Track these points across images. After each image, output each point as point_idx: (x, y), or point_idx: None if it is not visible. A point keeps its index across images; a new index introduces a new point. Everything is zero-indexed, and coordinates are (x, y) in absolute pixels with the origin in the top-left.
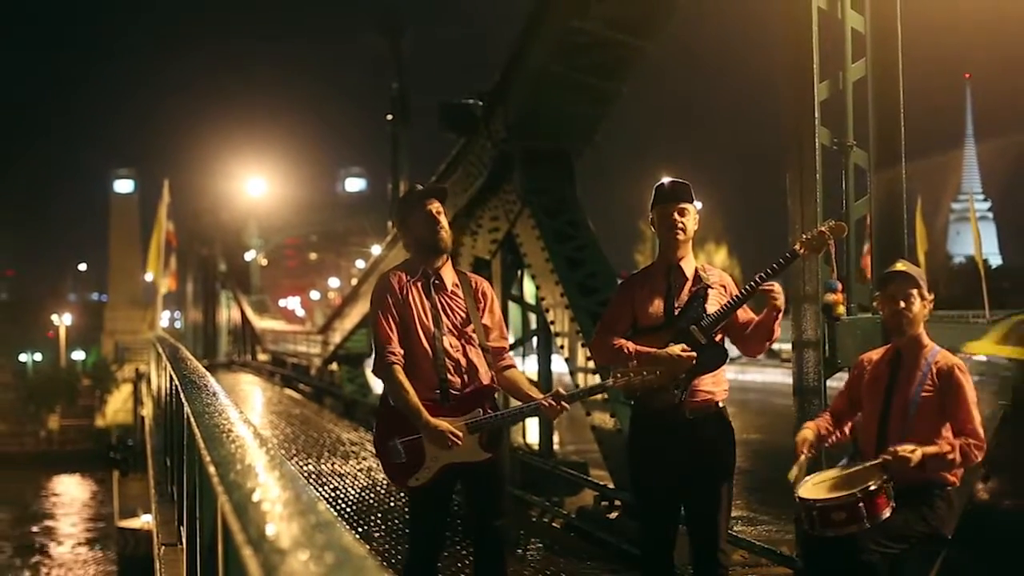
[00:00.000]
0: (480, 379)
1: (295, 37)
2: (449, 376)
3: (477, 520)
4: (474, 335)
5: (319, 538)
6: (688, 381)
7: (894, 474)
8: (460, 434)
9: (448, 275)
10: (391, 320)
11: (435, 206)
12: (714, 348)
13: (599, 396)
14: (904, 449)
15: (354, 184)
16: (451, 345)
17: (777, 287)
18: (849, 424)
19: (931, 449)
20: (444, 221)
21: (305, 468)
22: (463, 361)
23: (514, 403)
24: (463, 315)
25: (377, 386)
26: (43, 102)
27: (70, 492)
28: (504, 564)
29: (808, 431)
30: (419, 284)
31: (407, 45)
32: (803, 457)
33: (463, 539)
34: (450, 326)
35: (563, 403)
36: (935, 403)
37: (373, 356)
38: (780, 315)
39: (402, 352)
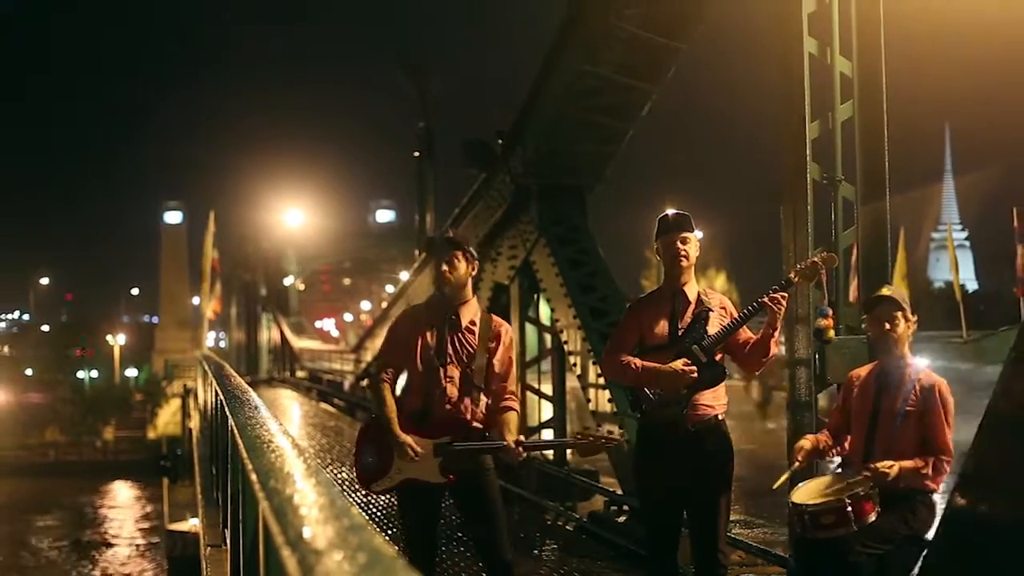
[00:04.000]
0: (463, 412)
1: (330, 81)
2: (433, 402)
3: (483, 552)
4: (475, 373)
5: (352, 540)
6: (689, 396)
7: (879, 482)
8: (419, 449)
9: (467, 314)
10: (395, 345)
11: (446, 260)
12: (714, 366)
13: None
14: (883, 465)
15: (384, 215)
16: (446, 376)
17: (783, 301)
18: (848, 439)
19: (907, 464)
20: (451, 269)
21: (339, 476)
22: (452, 392)
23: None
24: (469, 352)
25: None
26: (100, 143)
27: (124, 498)
28: None
29: (806, 441)
30: (435, 318)
31: (433, 87)
32: (796, 465)
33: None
34: (452, 359)
35: (522, 449)
36: (917, 416)
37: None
38: (776, 332)
39: (394, 373)
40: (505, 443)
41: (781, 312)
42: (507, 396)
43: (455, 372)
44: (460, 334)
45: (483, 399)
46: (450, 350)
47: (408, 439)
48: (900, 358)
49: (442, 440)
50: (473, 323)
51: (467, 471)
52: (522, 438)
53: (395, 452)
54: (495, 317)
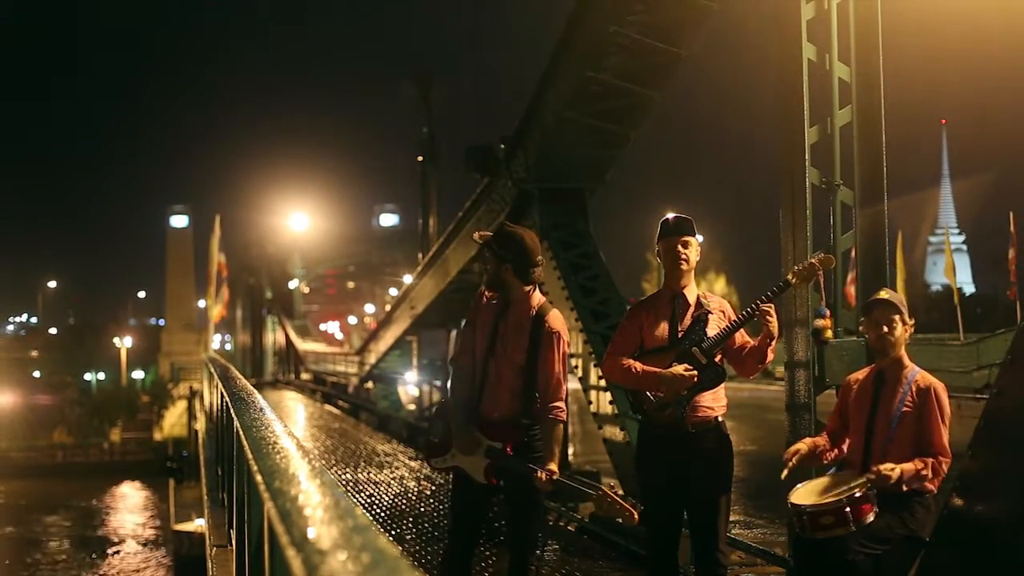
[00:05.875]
0: (506, 410)
1: (335, 87)
2: (482, 395)
3: (511, 543)
4: (521, 368)
5: (356, 540)
6: (689, 398)
7: (881, 483)
8: (473, 444)
9: (519, 307)
10: (466, 332)
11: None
12: (714, 368)
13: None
14: (886, 468)
15: (388, 219)
16: (493, 371)
17: (773, 312)
18: (846, 443)
19: (908, 467)
20: (488, 271)
21: (343, 477)
22: (497, 388)
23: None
24: (516, 348)
25: (408, 403)
26: (108, 149)
27: (130, 498)
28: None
29: (802, 445)
30: (494, 306)
31: (437, 94)
32: (791, 463)
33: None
34: (501, 353)
35: (551, 485)
36: (914, 418)
37: None
38: (774, 341)
39: (469, 360)
40: (537, 470)
41: (772, 323)
42: (554, 403)
43: (502, 368)
44: (511, 328)
45: (530, 396)
46: (500, 344)
47: (467, 430)
48: (897, 361)
49: (495, 444)
50: (525, 318)
51: (514, 477)
52: (554, 468)
53: (455, 439)
54: (551, 313)
